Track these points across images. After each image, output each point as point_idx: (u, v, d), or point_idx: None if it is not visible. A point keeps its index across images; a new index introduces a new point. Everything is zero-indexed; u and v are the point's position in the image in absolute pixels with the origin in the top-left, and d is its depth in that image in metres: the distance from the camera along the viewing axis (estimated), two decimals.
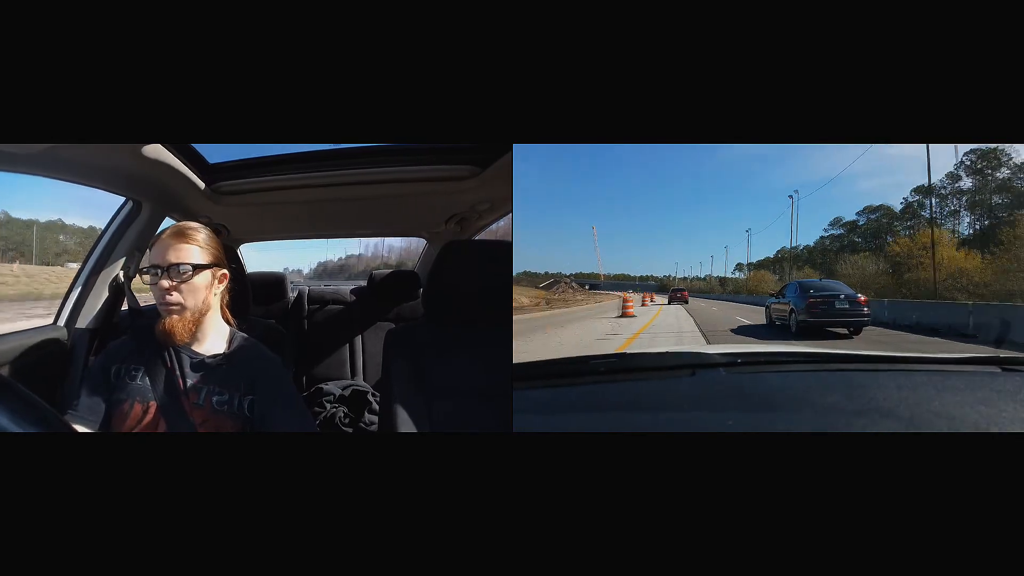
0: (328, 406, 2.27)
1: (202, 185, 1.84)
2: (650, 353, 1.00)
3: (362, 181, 1.96)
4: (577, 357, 0.95)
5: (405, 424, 1.27)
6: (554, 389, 0.87)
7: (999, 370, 0.89)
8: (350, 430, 2.22)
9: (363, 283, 2.96)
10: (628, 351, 0.98)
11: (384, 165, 1.87)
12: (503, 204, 2.21)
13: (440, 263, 1.40)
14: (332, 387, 2.36)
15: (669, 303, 19.72)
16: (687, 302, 20.30)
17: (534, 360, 0.99)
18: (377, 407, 2.22)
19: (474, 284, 1.37)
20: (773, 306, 8.43)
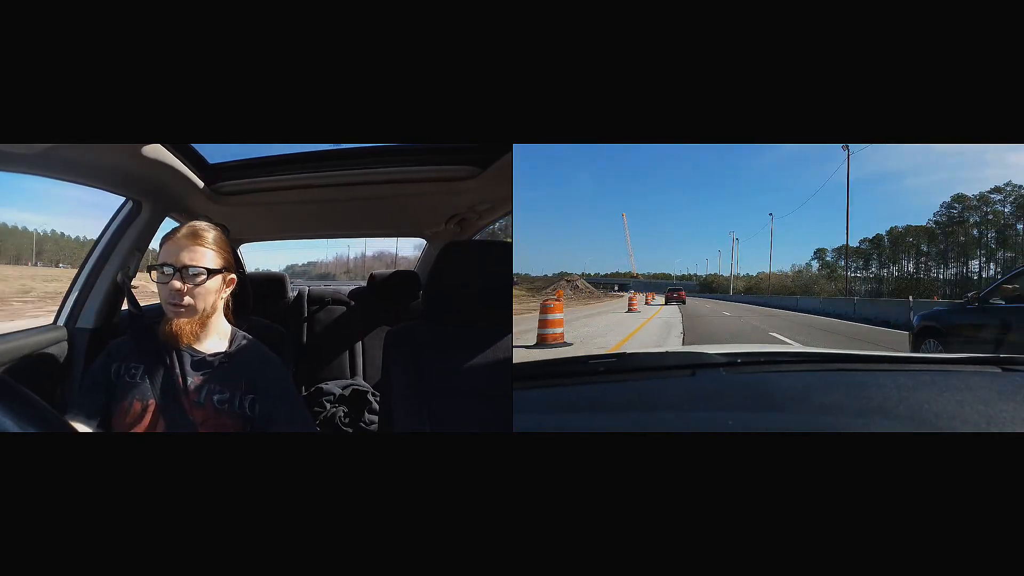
0: (328, 406, 2.27)
1: (202, 185, 1.84)
2: (650, 353, 1.00)
3: (362, 181, 1.96)
4: (577, 357, 0.95)
5: (405, 424, 1.27)
6: (554, 389, 0.87)
7: (999, 370, 0.89)
8: (350, 430, 2.22)
9: (345, 284, 2.97)
10: (628, 351, 0.98)
11: (384, 165, 1.87)
12: (503, 204, 2.21)
13: (440, 263, 1.40)
14: (332, 387, 2.36)
15: (667, 303, 20.38)
16: (684, 302, 20.90)
17: (534, 360, 1.00)
18: (377, 407, 2.22)
19: (474, 284, 1.37)
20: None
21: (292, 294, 2.76)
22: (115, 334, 1.63)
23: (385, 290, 2.67)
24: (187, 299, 1.07)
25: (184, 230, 1.11)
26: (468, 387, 1.31)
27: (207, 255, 1.10)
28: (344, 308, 2.74)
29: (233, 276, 1.17)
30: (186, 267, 1.07)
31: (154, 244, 1.83)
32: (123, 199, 1.74)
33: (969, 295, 3.74)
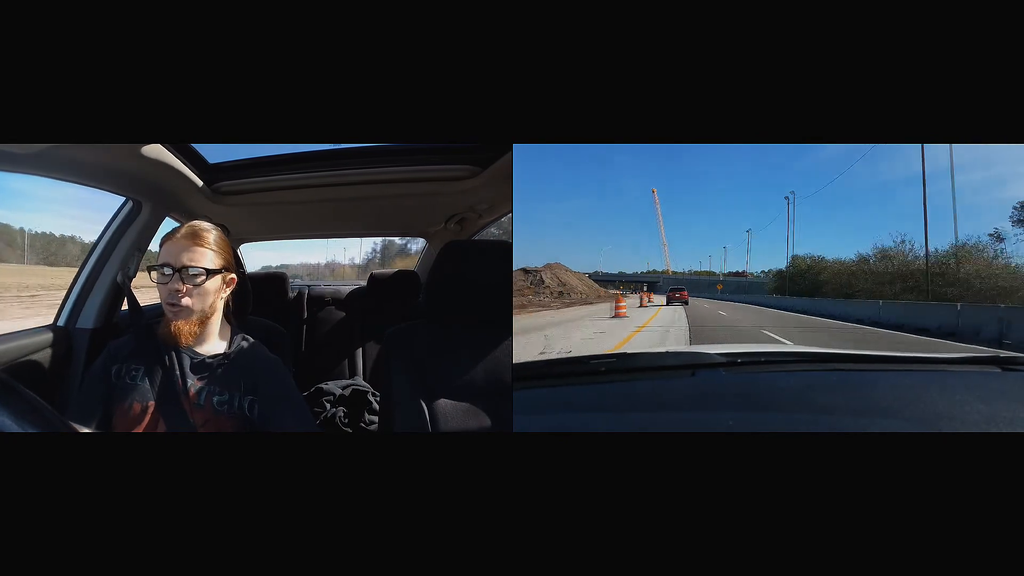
0: (328, 406, 2.27)
1: (202, 185, 1.84)
2: (650, 353, 1.00)
3: (362, 181, 1.96)
4: (577, 357, 0.95)
5: (405, 424, 1.27)
6: (554, 389, 0.87)
7: (999, 370, 0.89)
8: (350, 430, 2.22)
9: (312, 282, 2.99)
10: (628, 351, 0.98)
11: (384, 165, 1.87)
12: (503, 204, 2.21)
13: (440, 263, 1.40)
14: (332, 387, 2.36)
15: (668, 304, 19.47)
16: (687, 302, 19.82)
17: (534, 360, 1.00)
18: (377, 407, 2.22)
19: (474, 284, 1.37)
20: None
21: (292, 293, 2.76)
22: (115, 334, 1.63)
23: (385, 290, 2.67)
24: (185, 300, 1.07)
25: (184, 230, 1.11)
26: (468, 387, 1.31)
27: (207, 255, 1.10)
28: (344, 308, 2.74)
29: (233, 276, 1.17)
30: (185, 268, 1.07)
31: (154, 245, 1.84)
32: (123, 199, 1.74)
33: None
